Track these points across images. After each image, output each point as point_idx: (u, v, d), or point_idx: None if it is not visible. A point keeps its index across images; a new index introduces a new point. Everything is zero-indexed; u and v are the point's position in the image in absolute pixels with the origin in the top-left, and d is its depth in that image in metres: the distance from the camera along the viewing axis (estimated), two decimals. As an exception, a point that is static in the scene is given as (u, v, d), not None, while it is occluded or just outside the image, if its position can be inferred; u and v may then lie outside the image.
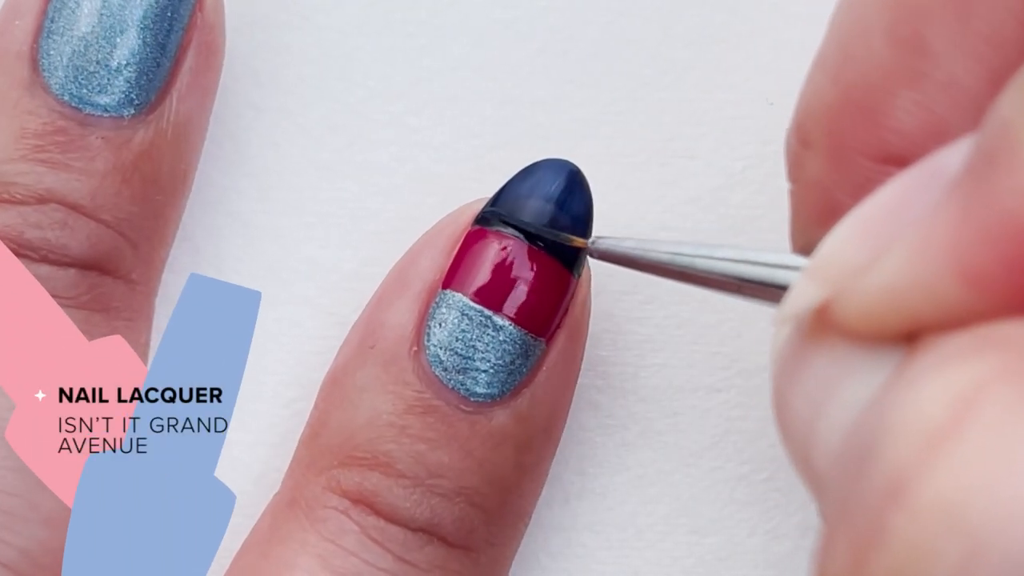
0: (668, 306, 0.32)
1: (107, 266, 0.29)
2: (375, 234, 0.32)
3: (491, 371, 0.28)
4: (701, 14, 0.33)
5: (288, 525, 0.29)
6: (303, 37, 0.33)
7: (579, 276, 0.29)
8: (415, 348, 0.29)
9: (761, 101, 0.33)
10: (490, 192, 0.30)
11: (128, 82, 0.29)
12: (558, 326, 0.29)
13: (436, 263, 0.29)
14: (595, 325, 0.32)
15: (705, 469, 0.32)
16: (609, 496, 0.32)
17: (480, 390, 0.28)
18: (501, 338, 0.28)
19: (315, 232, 0.32)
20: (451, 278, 0.29)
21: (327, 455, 0.29)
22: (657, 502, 0.32)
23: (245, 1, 0.32)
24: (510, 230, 0.29)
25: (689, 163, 0.33)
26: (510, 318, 0.28)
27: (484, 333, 0.28)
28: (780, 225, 0.33)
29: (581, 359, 0.30)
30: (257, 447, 0.32)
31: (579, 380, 0.32)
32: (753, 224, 0.33)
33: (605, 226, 0.33)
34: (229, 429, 0.32)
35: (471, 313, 0.29)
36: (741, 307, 0.33)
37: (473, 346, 0.28)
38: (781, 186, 0.33)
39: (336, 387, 0.29)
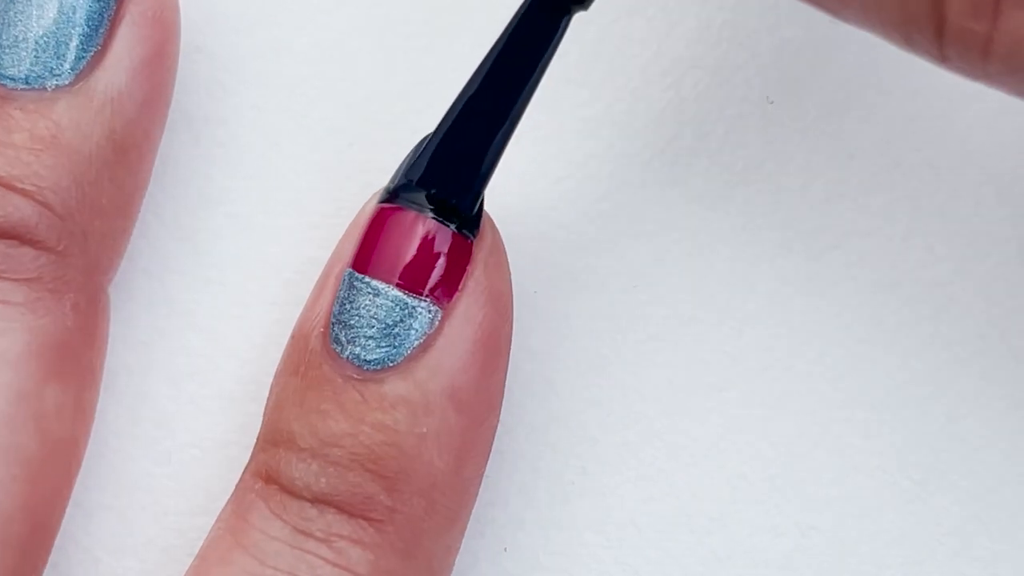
0: (669, 305, 0.32)
1: (25, 236, 0.29)
2: (375, 234, 0.32)
3: (377, 337, 0.29)
4: (702, 14, 0.33)
5: (222, 513, 0.30)
6: (304, 37, 0.33)
7: (473, 237, 0.29)
8: (320, 330, 0.29)
9: (761, 101, 0.33)
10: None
11: (48, 53, 0.29)
12: (456, 290, 0.29)
13: (346, 250, 0.30)
14: (595, 324, 0.32)
15: (705, 469, 0.32)
16: (609, 496, 0.32)
17: (370, 356, 0.29)
18: (380, 302, 0.29)
19: (316, 232, 0.32)
20: (353, 259, 0.30)
21: (256, 445, 0.30)
22: (657, 502, 0.32)
23: (246, 1, 0.32)
24: (414, 203, 0.29)
25: (691, 163, 0.33)
26: (389, 281, 0.29)
27: (366, 299, 0.29)
28: (783, 225, 0.33)
29: (504, 330, 0.30)
30: (257, 447, 0.32)
31: (579, 380, 0.32)
32: (755, 223, 0.33)
33: (607, 225, 0.33)
34: (229, 429, 0.32)
35: (356, 283, 0.29)
36: (743, 306, 0.33)
37: (358, 314, 0.29)
38: (783, 185, 0.33)
39: (271, 383, 0.30)
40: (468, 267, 0.29)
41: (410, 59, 0.33)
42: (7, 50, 0.29)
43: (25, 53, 0.29)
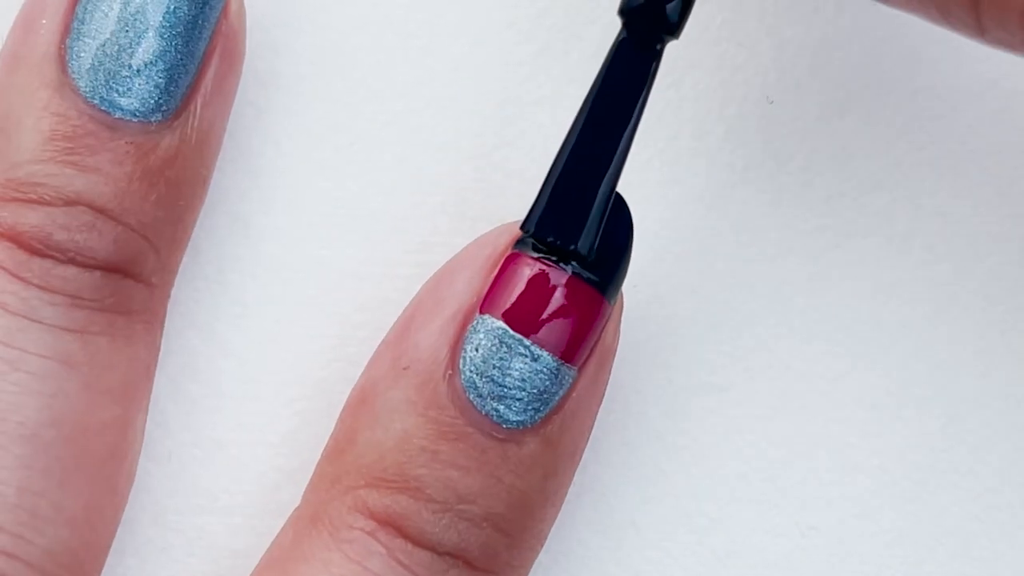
0: (670, 304, 0.32)
1: (130, 269, 0.29)
2: (375, 234, 0.32)
3: (526, 399, 0.28)
4: (702, 14, 0.33)
5: (311, 543, 0.29)
6: (303, 37, 0.33)
7: (614, 303, 0.29)
8: (450, 372, 0.28)
9: (761, 101, 0.33)
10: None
11: (157, 87, 0.29)
12: (590, 353, 0.29)
13: (473, 286, 0.29)
14: (595, 325, 0.32)
15: (705, 469, 0.32)
16: (609, 495, 0.32)
17: (514, 417, 0.28)
18: (538, 367, 0.28)
19: (315, 232, 0.32)
20: (488, 302, 0.29)
21: (353, 474, 0.29)
22: (657, 502, 0.32)
23: (245, 1, 0.32)
24: (551, 256, 0.29)
25: (691, 162, 0.33)
26: (548, 347, 0.28)
27: (521, 361, 0.28)
28: (783, 224, 0.33)
29: (607, 384, 0.30)
30: (257, 447, 0.32)
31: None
32: (755, 223, 0.33)
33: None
34: (229, 429, 0.32)
35: (509, 340, 0.28)
36: (742, 306, 0.33)
37: (509, 373, 0.28)
38: (783, 183, 0.33)
39: (365, 405, 0.29)
40: (603, 332, 0.29)
41: (411, 59, 0.33)
42: (118, 81, 0.29)
43: (134, 85, 0.29)
